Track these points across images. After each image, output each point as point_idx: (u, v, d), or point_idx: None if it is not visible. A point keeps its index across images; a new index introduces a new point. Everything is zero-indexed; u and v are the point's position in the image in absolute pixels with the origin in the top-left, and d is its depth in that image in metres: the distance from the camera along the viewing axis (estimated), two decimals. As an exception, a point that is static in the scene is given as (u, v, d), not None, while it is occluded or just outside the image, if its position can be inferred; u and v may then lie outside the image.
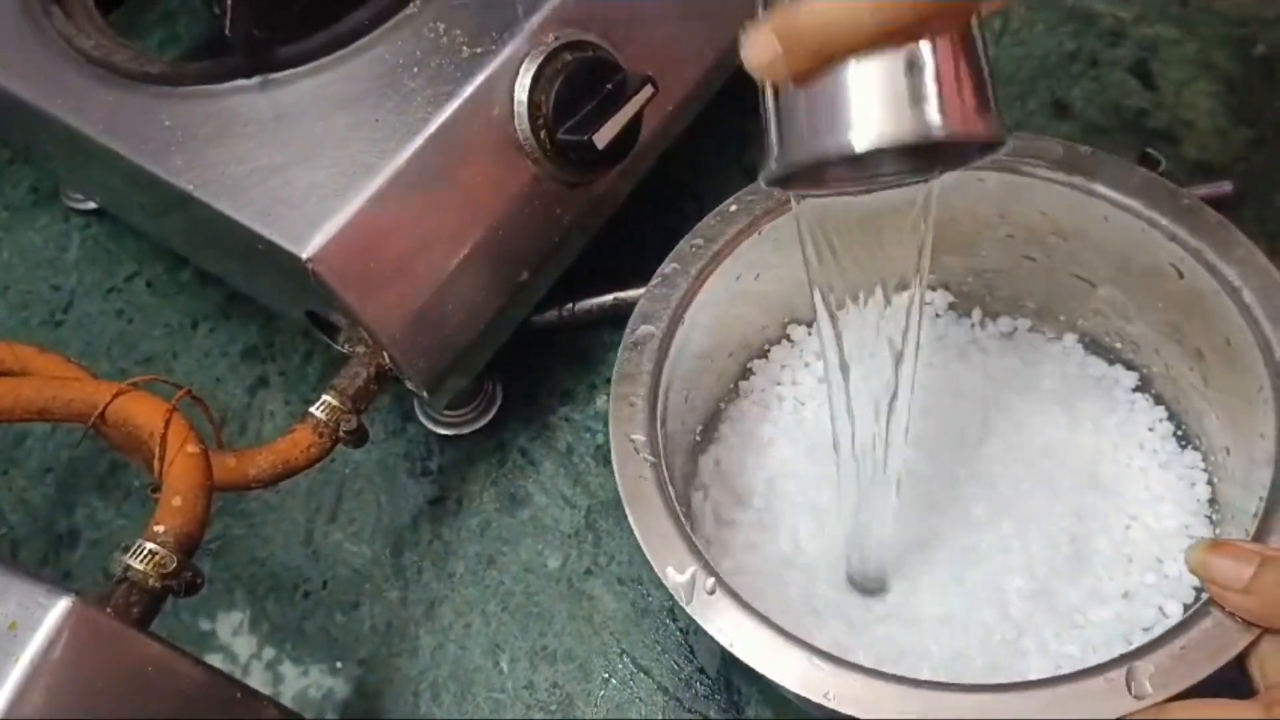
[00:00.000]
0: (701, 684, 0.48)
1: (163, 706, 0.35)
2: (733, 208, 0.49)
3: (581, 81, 0.46)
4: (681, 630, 0.50)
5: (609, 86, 0.47)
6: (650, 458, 0.42)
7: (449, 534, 0.54)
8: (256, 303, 0.61)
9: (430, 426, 0.56)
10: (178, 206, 0.46)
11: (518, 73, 0.46)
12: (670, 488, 0.42)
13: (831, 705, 0.35)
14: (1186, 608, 0.43)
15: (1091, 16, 0.67)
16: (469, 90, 0.45)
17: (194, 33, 0.70)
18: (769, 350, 0.54)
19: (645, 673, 0.49)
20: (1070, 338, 0.52)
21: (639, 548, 0.40)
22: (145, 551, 0.37)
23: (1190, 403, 0.48)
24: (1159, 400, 0.50)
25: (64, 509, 0.58)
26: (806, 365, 0.53)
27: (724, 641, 0.37)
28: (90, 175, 0.55)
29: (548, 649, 0.50)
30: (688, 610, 0.38)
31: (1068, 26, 0.66)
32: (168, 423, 0.40)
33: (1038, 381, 0.51)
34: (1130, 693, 0.34)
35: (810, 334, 0.53)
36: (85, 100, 0.49)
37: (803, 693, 0.36)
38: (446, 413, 0.56)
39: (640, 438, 0.43)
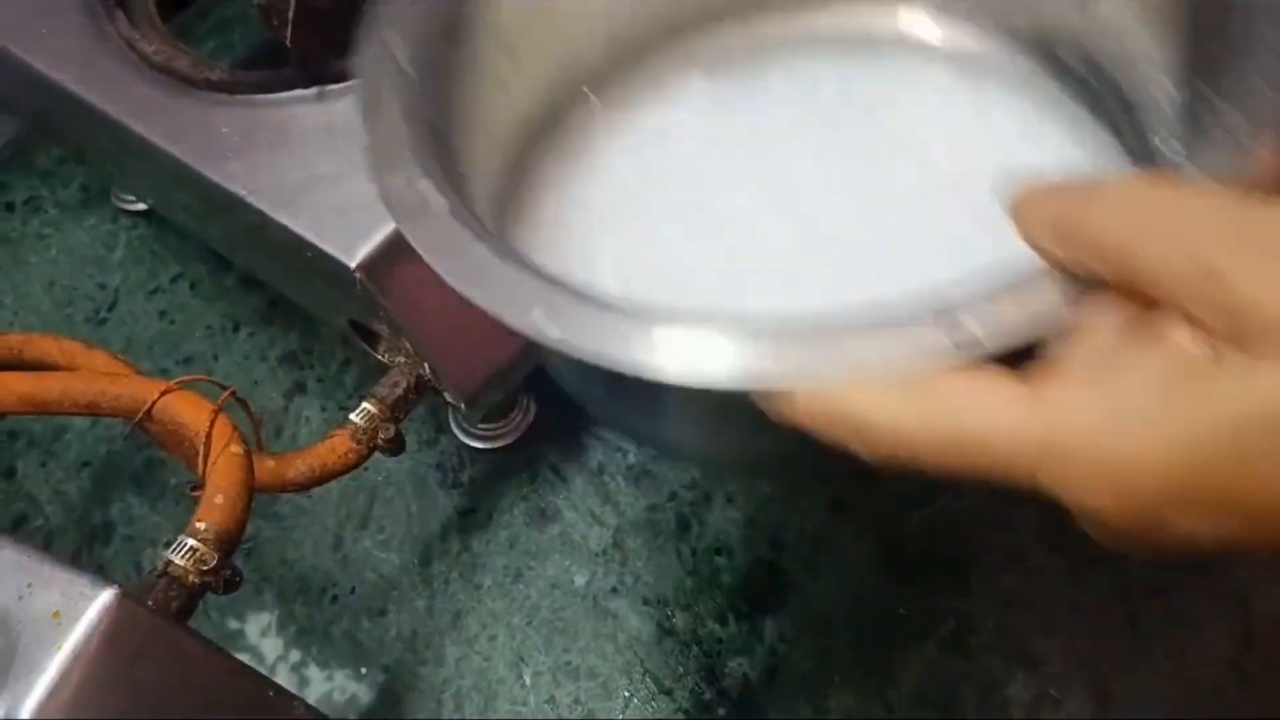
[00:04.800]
0: (724, 709, 0.48)
1: (197, 700, 0.35)
2: None
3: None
4: (705, 654, 0.50)
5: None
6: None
7: (478, 546, 0.54)
8: (297, 309, 0.61)
9: (463, 439, 0.57)
10: (231, 211, 0.47)
11: (569, 94, 0.46)
12: None
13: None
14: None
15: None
16: (520, 109, 0.45)
17: (248, 42, 0.71)
18: None
19: (667, 694, 0.49)
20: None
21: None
22: (187, 547, 0.37)
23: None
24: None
25: (100, 503, 0.58)
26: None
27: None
28: (145, 177, 0.56)
29: (571, 665, 0.50)
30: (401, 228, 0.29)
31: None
32: (213, 422, 0.41)
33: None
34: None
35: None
36: (145, 104, 0.50)
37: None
38: (480, 426, 0.56)
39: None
